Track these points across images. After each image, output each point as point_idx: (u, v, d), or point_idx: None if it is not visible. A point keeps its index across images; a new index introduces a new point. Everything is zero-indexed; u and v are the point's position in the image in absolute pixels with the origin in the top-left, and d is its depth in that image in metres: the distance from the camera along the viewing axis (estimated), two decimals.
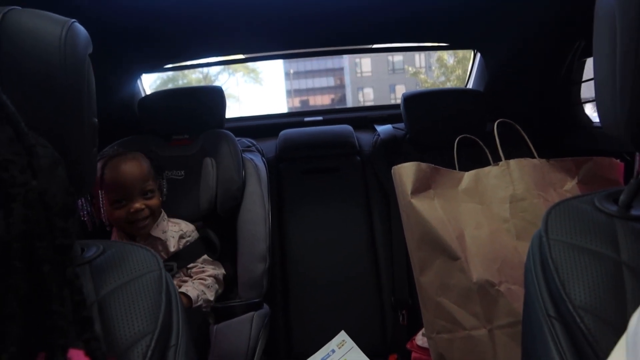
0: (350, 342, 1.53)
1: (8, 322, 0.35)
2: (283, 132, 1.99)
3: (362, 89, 35.19)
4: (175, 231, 1.36)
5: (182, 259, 1.35)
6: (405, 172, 1.15)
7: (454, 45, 1.98)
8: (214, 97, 1.71)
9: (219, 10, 1.37)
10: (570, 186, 1.25)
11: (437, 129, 1.75)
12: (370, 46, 2.09)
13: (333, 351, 1.52)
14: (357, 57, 34.66)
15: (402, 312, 1.58)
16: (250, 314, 1.19)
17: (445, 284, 1.10)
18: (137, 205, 1.27)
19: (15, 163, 0.40)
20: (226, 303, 1.29)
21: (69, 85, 0.59)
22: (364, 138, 1.98)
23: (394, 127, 1.93)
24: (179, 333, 0.65)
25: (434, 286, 1.11)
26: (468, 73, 2.11)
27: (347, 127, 2.00)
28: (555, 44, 1.55)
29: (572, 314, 0.59)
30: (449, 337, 1.09)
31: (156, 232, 1.34)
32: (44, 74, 0.58)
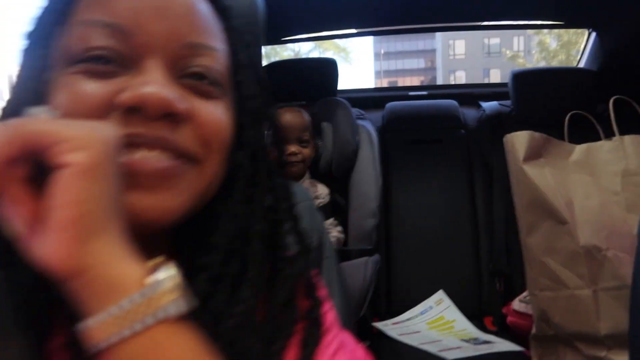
0: (447, 301, 1.64)
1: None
2: (390, 104, 2.09)
3: (453, 72, 34.15)
4: (313, 192, 1.53)
5: None
6: (518, 140, 1.23)
7: (569, 23, 1.97)
8: (329, 67, 1.87)
9: None
10: None
11: (545, 107, 1.77)
12: (480, 23, 2.13)
13: (431, 307, 1.63)
14: (450, 39, 33.62)
15: (500, 279, 1.66)
16: (365, 258, 1.33)
17: (552, 246, 1.17)
18: (293, 148, 1.46)
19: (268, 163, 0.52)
20: (341, 248, 1.44)
21: None
22: (469, 113, 2.04)
23: (499, 104, 1.97)
24: (328, 248, 0.80)
25: (540, 247, 1.19)
26: (580, 52, 2.08)
27: (452, 102, 2.06)
28: None
29: None
30: (552, 295, 1.16)
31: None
32: None
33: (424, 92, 2.26)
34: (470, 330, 1.54)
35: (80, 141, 0.32)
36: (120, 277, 0.34)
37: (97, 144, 0.33)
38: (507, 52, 21.09)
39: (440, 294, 1.67)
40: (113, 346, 0.33)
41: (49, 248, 0.32)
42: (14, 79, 0.46)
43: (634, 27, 1.67)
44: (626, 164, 1.22)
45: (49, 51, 0.42)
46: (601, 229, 1.15)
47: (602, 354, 1.11)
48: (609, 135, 1.33)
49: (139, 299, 0.34)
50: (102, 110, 0.39)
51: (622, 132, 1.30)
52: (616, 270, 1.10)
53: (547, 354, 1.23)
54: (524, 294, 1.50)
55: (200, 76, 0.43)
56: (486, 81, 30.29)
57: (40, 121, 0.34)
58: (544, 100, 1.77)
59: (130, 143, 0.39)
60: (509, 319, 1.52)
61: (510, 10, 1.90)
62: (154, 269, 0.36)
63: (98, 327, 0.33)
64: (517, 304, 1.51)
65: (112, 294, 0.34)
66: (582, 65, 2.06)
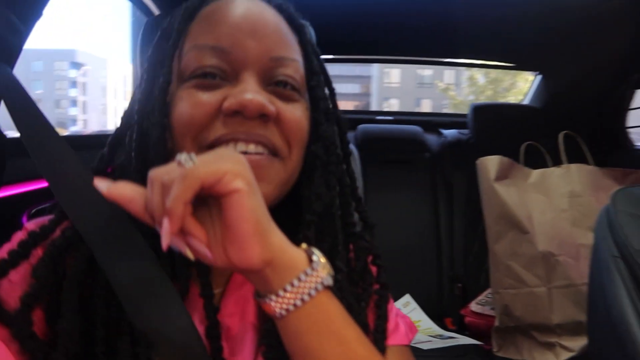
0: (414, 304, 1.84)
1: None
2: (362, 126, 2.29)
3: (388, 99, 35.45)
4: None
5: None
6: (490, 163, 1.47)
7: (520, 66, 2.28)
8: None
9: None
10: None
11: (499, 136, 2.05)
12: (445, 59, 2.41)
13: (399, 309, 1.82)
14: (386, 67, 34.93)
15: (458, 285, 1.89)
16: None
17: (515, 252, 1.41)
18: None
19: (338, 154, 0.59)
20: None
21: None
22: (431, 139, 2.29)
23: (459, 132, 2.24)
24: None
25: (506, 253, 1.42)
26: (527, 91, 2.41)
27: (417, 128, 2.30)
28: (613, 74, 1.85)
29: (633, 255, 0.89)
30: (514, 292, 1.40)
31: None
32: None
33: (390, 117, 2.50)
34: (435, 328, 1.75)
35: (235, 171, 0.41)
36: (293, 259, 0.45)
37: (244, 169, 0.42)
38: (440, 84, 22.34)
39: (407, 298, 1.87)
40: (291, 313, 0.44)
41: (246, 252, 0.41)
42: (136, 92, 0.59)
43: (575, 72, 1.99)
44: (572, 187, 1.49)
45: (169, 70, 0.53)
46: (554, 239, 1.40)
47: (554, 339, 1.36)
48: (555, 163, 1.61)
49: (310, 272, 0.45)
50: (213, 115, 0.51)
51: (558, 163, 1.58)
52: (566, 272, 1.36)
53: (507, 344, 1.46)
54: (480, 297, 1.74)
55: (283, 83, 0.54)
56: (417, 110, 31.65)
57: (201, 164, 0.40)
58: (498, 131, 2.05)
59: (232, 138, 0.50)
60: (467, 319, 1.74)
61: (471, 50, 2.19)
62: (307, 251, 0.47)
63: (280, 299, 0.44)
64: (474, 306, 1.74)
65: (290, 271, 0.44)
66: (526, 102, 2.38)
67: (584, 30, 1.68)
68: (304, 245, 0.48)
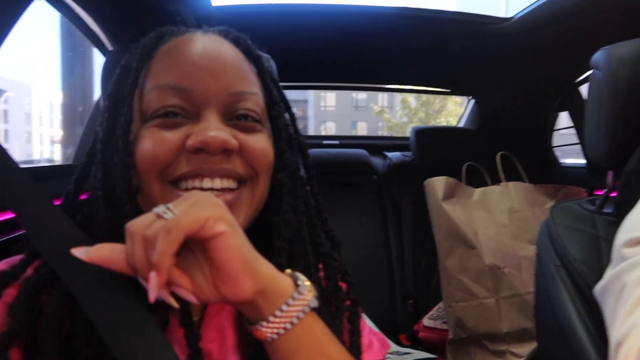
0: (368, 321, 1.88)
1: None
2: (310, 151, 2.35)
3: (325, 122, 35.95)
4: None
5: None
6: (437, 184, 1.56)
7: (455, 91, 2.45)
8: None
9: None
10: (549, 205, 1.67)
11: (440, 157, 2.17)
12: (384, 85, 2.53)
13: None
14: (322, 91, 35.51)
15: (410, 301, 1.97)
16: None
17: (465, 266, 1.50)
18: None
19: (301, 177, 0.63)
20: None
21: None
22: (377, 161, 2.38)
23: (402, 155, 2.35)
24: None
25: (456, 268, 1.51)
26: (461, 115, 2.57)
27: (363, 151, 2.39)
28: (539, 98, 2.02)
29: (572, 263, 0.99)
30: (465, 305, 1.48)
31: None
32: None
33: (336, 142, 2.58)
34: (391, 345, 1.80)
35: (216, 215, 0.43)
36: (281, 286, 0.48)
37: (223, 211, 0.44)
38: (375, 107, 23.01)
39: (362, 316, 1.91)
40: (281, 336, 0.47)
41: (238, 288, 0.44)
42: (98, 131, 0.57)
43: (504, 97, 2.16)
44: (511, 204, 1.61)
45: (130, 109, 0.54)
46: (498, 252, 1.50)
47: (504, 347, 1.45)
48: (494, 181, 1.73)
49: (297, 297, 0.48)
50: (177, 152, 0.52)
51: (496, 181, 1.70)
52: (511, 283, 1.46)
53: (461, 355, 1.54)
54: (431, 312, 1.82)
55: (245, 117, 0.55)
56: (354, 133, 32.30)
57: (182, 215, 0.42)
58: (439, 152, 2.17)
59: (196, 175, 0.52)
60: (421, 334, 1.81)
61: (411, 78, 2.32)
62: (292, 276, 0.50)
63: (271, 324, 0.46)
64: (426, 321, 1.81)
65: (280, 297, 0.47)
66: (461, 124, 2.54)
67: (511, 60, 1.84)
68: (288, 271, 0.50)
